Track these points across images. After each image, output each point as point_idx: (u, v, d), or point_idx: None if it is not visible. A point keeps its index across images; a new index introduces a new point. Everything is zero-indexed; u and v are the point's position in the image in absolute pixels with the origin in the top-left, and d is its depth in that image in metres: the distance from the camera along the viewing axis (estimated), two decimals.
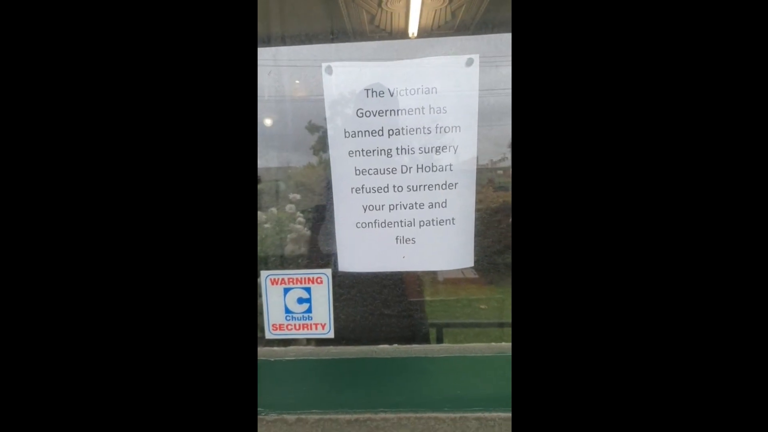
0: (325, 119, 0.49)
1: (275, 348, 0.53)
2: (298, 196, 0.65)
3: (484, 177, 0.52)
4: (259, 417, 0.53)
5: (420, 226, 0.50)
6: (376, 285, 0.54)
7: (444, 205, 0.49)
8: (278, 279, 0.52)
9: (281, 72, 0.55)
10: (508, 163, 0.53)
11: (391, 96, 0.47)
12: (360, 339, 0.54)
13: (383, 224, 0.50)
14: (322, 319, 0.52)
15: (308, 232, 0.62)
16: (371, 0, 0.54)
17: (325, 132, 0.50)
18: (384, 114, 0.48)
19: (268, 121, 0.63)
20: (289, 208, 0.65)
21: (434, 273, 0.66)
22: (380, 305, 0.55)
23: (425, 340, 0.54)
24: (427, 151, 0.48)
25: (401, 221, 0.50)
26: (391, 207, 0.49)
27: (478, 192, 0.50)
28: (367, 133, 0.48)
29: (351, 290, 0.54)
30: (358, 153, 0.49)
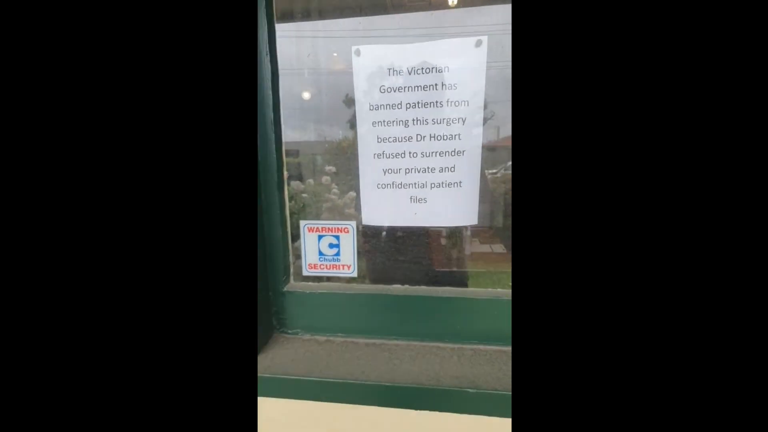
0: None
1: (310, 283, 0.66)
2: (333, 169, 0.73)
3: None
4: (295, 337, 0.66)
5: (431, 187, 0.58)
6: (391, 236, 0.64)
7: (453, 169, 0.57)
8: (314, 227, 0.64)
9: (318, 45, 0.64)
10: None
11: (409, 74, 0.55)
12: (377, 279, 0.65)
13: (399, 185, 0.59)
14: (348, 261, 0.63)
15: (342, 202, 0.72)
16: None
17: None
18: (403, 90, 0.56)
19: (306, 95, 0.72)
20: (325, 179, 0.73)
21: (462, 246, 0.74)
22: (395, 252, 0.65)
23: (432, 282, 0.64)
24: (438, 122, 0.56)
25: (415, 183, 0.59)
26: (407, 170, 0.58)
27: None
28: (387, 106, 0.57)
29: (371, 239, 0.64)
30: (380, 123, 0.57)
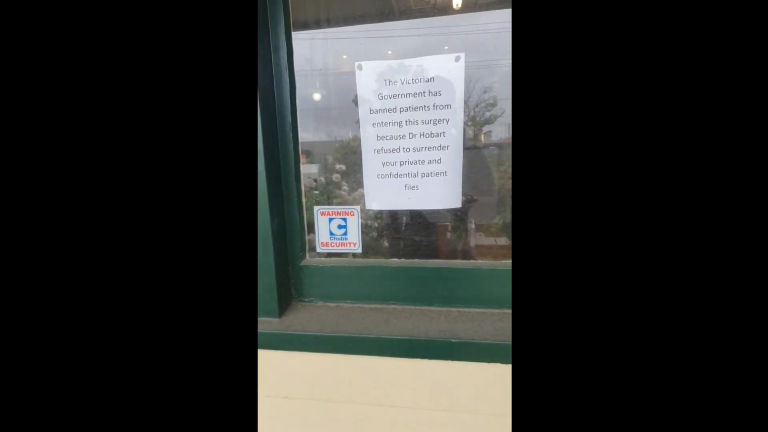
0: None
1: (322, 258, 0.79)
2: (343, 167, 0.83)
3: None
4: (311, 304, 0.79)
5: (422, 177, 0.71)
6: (390, 218, 0.77)
7: (439, 162, 0.69)
8: (325, 212, 0.77)
9: (328, 49, 0.75)
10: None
11: (402, 84, 0.67)
12: (378, 254, 0.77)
13: (396, 175, 0.71)
14: (354, 240, 0.76)
15: (351, 198, 0.82)
16: None
17: None
18: (396, 97, 0.68)
19: (317, 96, 0.83)
20: (336, 177, 0.83)
21: (467, 239, 0.85)
22: (393, 231, 0.77)
23: (424, 256, 0.76)
24: (426, 122, 0.68)
25: (408, 173, 0.71)
26: (401, 163, 0.71)
27: None
28: (384, 110, 0.69)
29: (373, 221, 0.77)
30: (378, 124, 0.70)
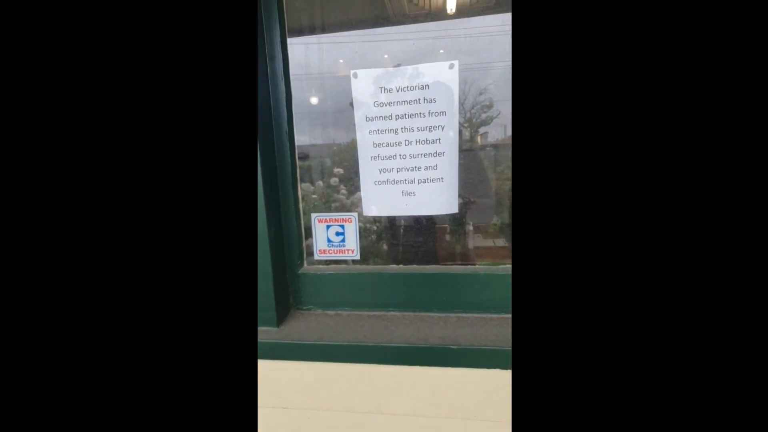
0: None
1: (320, 266, 0.79)
2: (341, 171, 0.84)
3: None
4: (309, 312, 0.79)
5: (418, 183, 0.71)
6: (387, 224, 0.77)
7: (435, 168, 0.70)
8: (323, 219, 0.77)
9: (324, 53, 0.76)
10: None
11: (397, 92, 0.68)
12: (376, 260, 0.77)
13: (393, 182, 0.72)
14: (352, 246, 0.76)
15: (350, 202, 0.82)
16: None
17: None
18: (392, 104, 0.69)
19: (314, 100, 0.83)
20: (333, 181, 0.83)
21: (466, 241, 0.85)
22: (390, 238, 0.78)
23: (421, 262, 0.76)
24: (422, 129, 0.68)
25: (405, 180, 0.71)
26: (398, 170, 0.71)
27: None
28: (381, 117, 0.69)
29: (371, 227, 0.77)
30: (375, 132, 0.70)
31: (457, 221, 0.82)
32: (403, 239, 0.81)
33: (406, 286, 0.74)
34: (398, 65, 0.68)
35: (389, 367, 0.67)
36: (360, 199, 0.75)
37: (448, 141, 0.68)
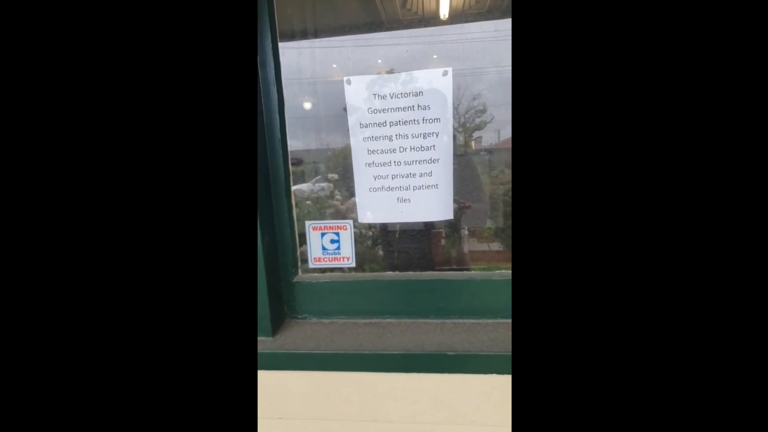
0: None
1: (315, 274, 0.78)
2: (335, 176, 0.83)
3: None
4: (304, 321, 0.78)
5: (413, 190, 0.71)
6: (382, 231, 0.76)
7: (430, 175, 0.70)
8: (317, 226, 0.76)
9: (316, 57, 0.75)
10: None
11: (391, 98, 0.68)
12: (372, 268, 0.77)
13: (388, 189, 0.71)
14: (347, 254, 0.76)
15: (345, 207, 0.80)
16: None
17: None
18: (386, 111, 0.68)
19: (307, 105, 0.82)
20: (328, 186, 0.82)
21: (462, 245, 0.85)
22: (386, 245, 0.77)
23: (417, 268, 0.76)
24: (416, 136, 0.68)
25: (400, 186, 0.71)
26: (393, 176, 0.71)
27: None
28: (375, 124, 0.69)
29: (366, 234, 0.76)
30: (369, 138, 0.70)
31: (452, 226, 0.82)
32: (398, 245, 0.81)
33: (401, 293, 0.74)
34: (391, 71, 0.68)
35: (386, 374, 0.67)
36: (355, 205, 0.75)
37: (443, 147, 0.68)
